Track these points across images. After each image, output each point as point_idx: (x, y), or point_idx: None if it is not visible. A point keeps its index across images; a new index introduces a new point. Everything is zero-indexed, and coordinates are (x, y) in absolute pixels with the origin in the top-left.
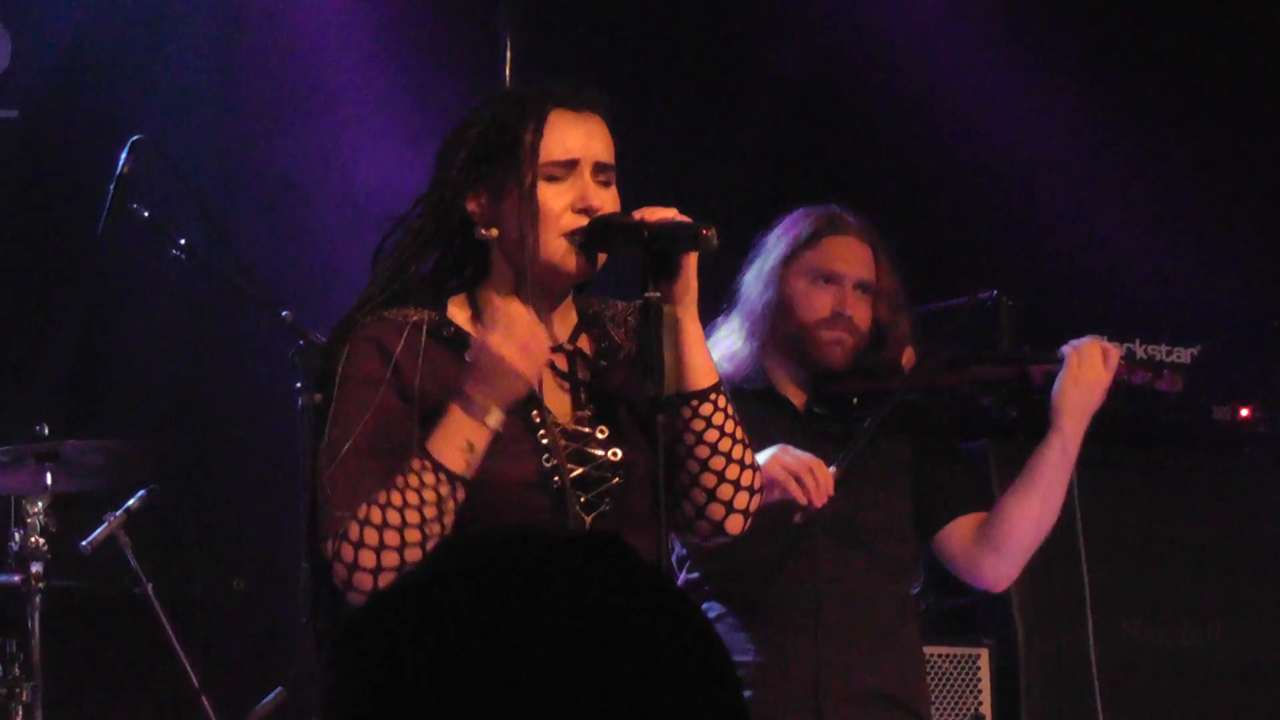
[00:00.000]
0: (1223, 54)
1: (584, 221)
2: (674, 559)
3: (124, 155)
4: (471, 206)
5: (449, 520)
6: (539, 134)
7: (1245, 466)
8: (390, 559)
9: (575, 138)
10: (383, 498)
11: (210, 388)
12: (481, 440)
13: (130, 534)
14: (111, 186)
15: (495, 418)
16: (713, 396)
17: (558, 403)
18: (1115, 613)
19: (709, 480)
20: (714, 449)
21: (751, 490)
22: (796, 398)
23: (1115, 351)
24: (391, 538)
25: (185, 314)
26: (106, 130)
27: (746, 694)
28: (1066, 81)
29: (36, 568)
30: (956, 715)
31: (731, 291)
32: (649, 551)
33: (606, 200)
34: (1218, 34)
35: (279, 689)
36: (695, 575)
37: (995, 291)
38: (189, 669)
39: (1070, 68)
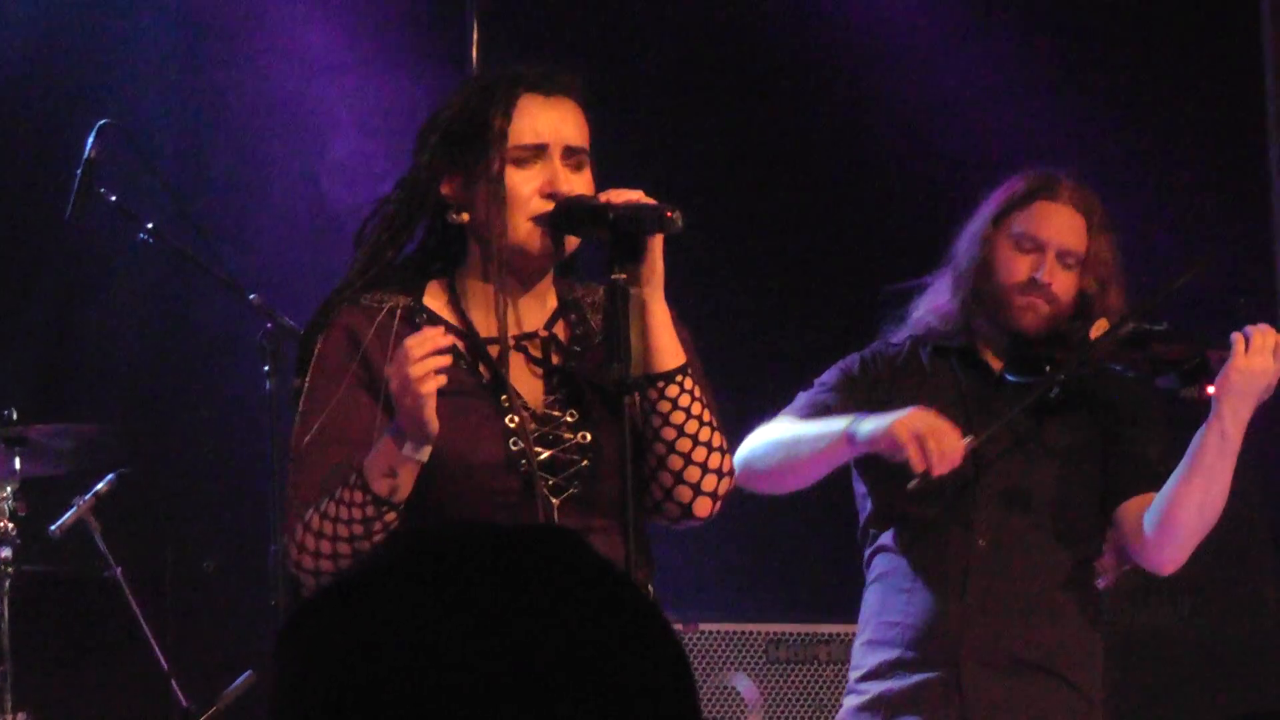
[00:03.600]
0: (1186, 37)
1: (552, 206)
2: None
3: (91, 140)
4: (446, 190)
5: (380, 539)
6: (508, 118)
7: None
8: (326, 565)
9: (544, 122)
10: (327, 507)
11: (178, 371)
12: (404, 468)
13: (99, 518)
14: (79, 171)
15: (410, 448)
16: (679, 379)
17: (528, 387)
18: None
19: (675, 463)
20: (680, 431)
21: (720, 473)
22: (994, 360)
23: None
24: (325, 547)
25: (153, 298)
26: (73, 115)
27: (895, 654)
28: (1040, 60)
29: (6, 552)
30: None
31: (947, 248)
32: (619, 534)
33: (577, 184)
34: (1185, 22)
35: (248, 672)
36: (872, 536)
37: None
38: (158, 652)
39: (1044, 45)
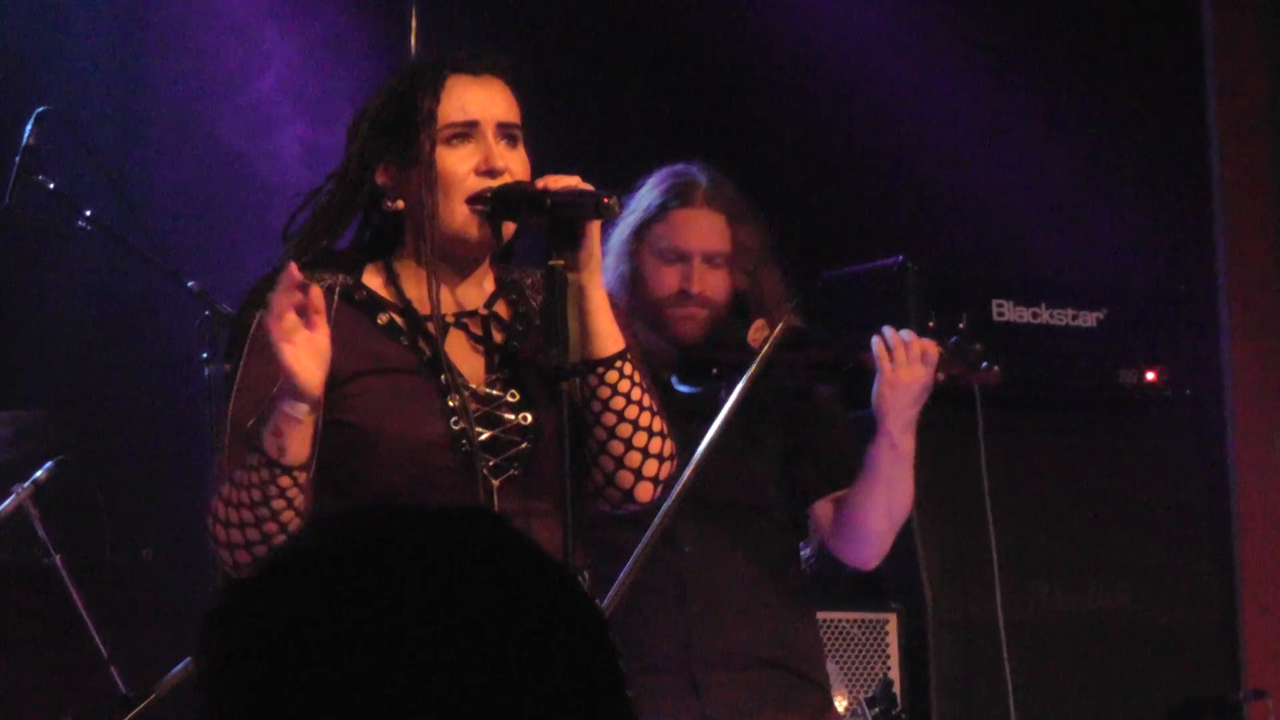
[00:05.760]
0: (1130, 21)
1: (490, 183)
2: None
3: (29, 127)
4: (382, 179)
5: (278, 505)
6: (436, 99)
7: (1152, 429)
8: (236, 536)
9: (473, 100)
10: (237, 476)
11: (117, 358)
12: (287, 427)
13: (38, 505)
14: (17, 158)
15: (289, 405)
16: (619, 364)
17: (469, 366)
18: (1023, 576)
19: (617, 448)
20: (621, 416)
21: (661, 458)
22: (661, 371)
23: (933, 347)
24: (233, 516)
25: (91, 285)
26: (11, 102)
27: (637, 663)
28: (977, 47)
29: None
30: (864, 681)
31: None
32: (558, 518)
33: (512, 160)
34: (1126, 11)
35: (188, 659)
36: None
37: (901, 258)
38: (98, 639)
39: (980, 33)
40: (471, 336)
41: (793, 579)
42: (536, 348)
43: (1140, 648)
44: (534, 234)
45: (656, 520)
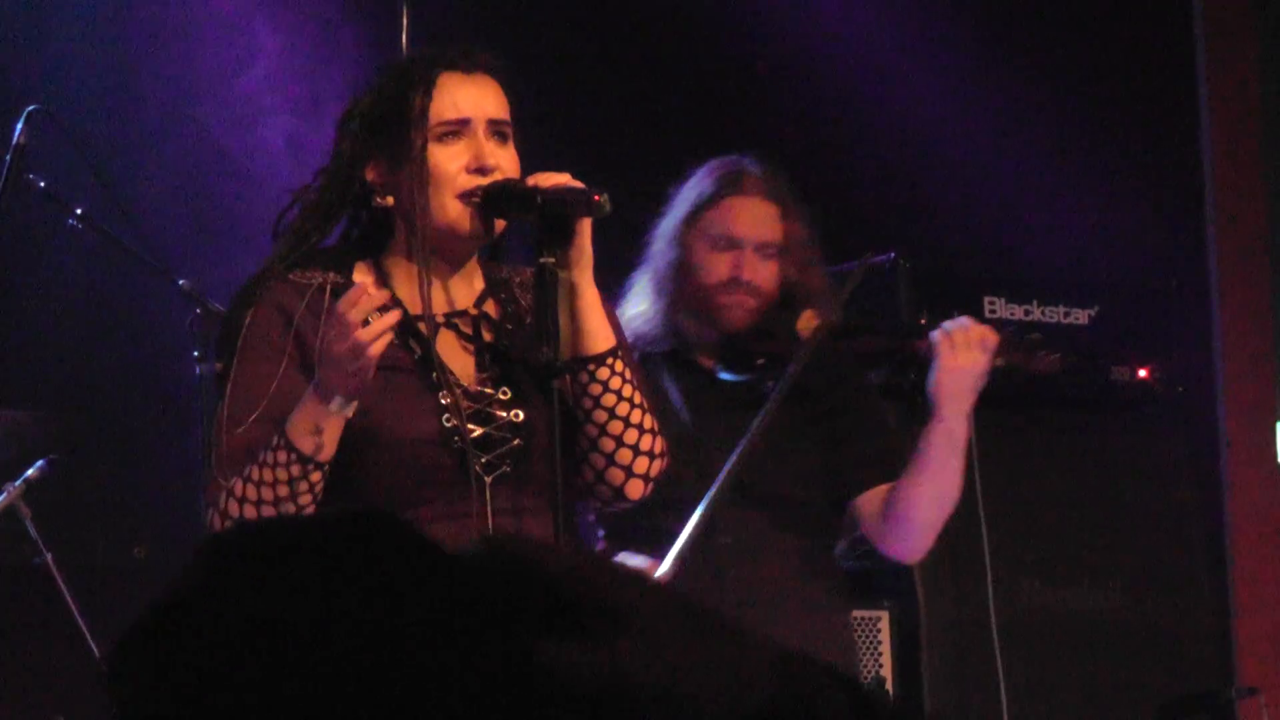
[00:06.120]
0: (1122, 18)
1: (480, 181)
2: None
3: (20, 126)
4: (371, 176)
5: (305, 500)
6: (428, 97)
7: (1143, 427)
8: None
9: (465, 97)
10: (251, 473)
11: (108, 357)
12: (330, 425)
13: (30, 504)
14: (8, 157)
15: (338, 404)
16: (609, 361)
17: (460, 365)
18: (1015, 574)
19: (607, 445)
20: (611, 413)
21: (652, 455)
22: (705, 360)
23: (992, 334)
24: (251, 512)
25: (83, 284)
26: (2, 101)
27: None
28: (965, 43)
29: None
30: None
31: (643, 245)
32: (549, 514)
33: (503, 158)
34: (1118, 8)
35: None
36: (604, 544)
37: (893, 254)
38: (89, 638)
39: (972, 31)
40: (461, 336)
41: (830, 573)
42: (527, 345)
43: (1132, 645)
44: (524, 232)
45: (700, 509)
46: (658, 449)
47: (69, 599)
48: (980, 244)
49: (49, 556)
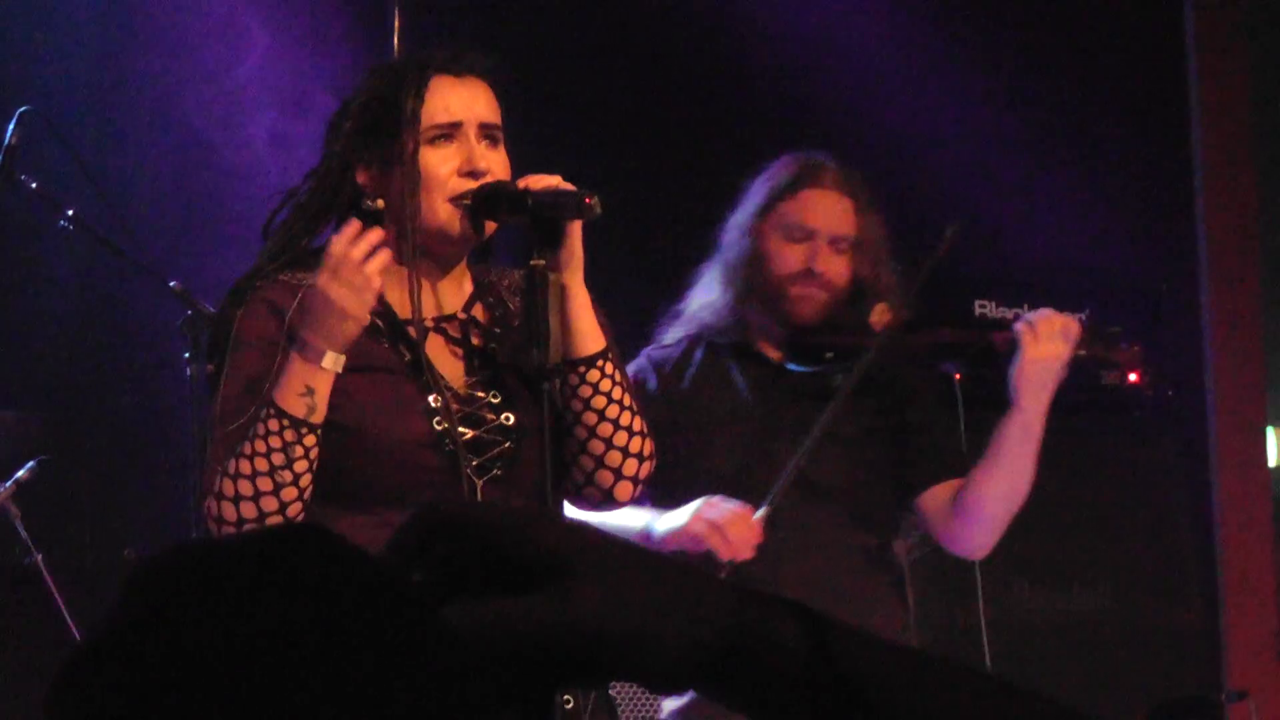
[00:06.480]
0: (1113, 21)
1: (471, 185)
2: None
3: (11, 127)
4: (362, 179)
5: (301, 467)
6: (420, 100)
7: (1134, 430)
8: (249, 510)
9: (457, 100)
10: (244, 448)
11: (99, 358)
12: (320, 383)
13: (20, 504)
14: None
15: (331, 359)
16: (600, 363)
17: (450, 369)
18: (1005, 577)
19: (597, 447)
20: (602, 415)
21: (641, 457)
22: (771, 351)
23: (1074, 324)
24: (246, 488)
25: (74, 284)
26: None
27: None
28: (956, 46)
29: None
30: None
31: (714, 237)
32: None
33: (494, 161)
34: (1108, 5)
35: None
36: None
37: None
38: (79, 638)
39: (963, 33)
40: (450, 340)
41: (888, 570)
42: (515, 349)
43: (1122, 648)
44: (511, 233)
45: (767, 502)
46: (647, 451)
47: (59, 600)
48: (971, 246)
49: (39, 557)
